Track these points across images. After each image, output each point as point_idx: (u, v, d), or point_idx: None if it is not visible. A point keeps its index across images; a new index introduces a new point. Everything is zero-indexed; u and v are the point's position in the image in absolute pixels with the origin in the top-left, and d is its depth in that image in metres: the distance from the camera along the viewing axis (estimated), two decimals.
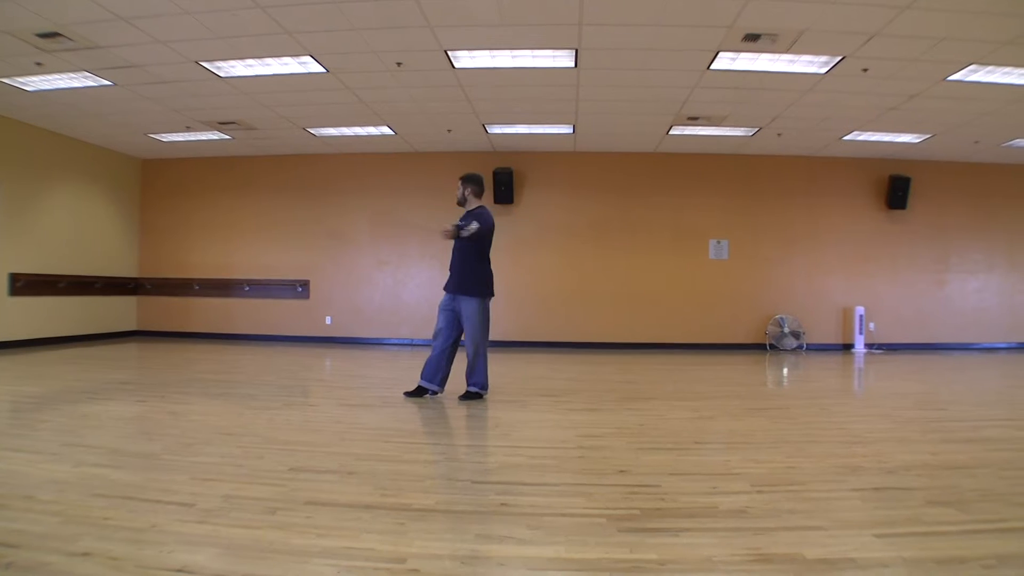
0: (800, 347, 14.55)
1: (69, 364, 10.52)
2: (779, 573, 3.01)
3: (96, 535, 3.34)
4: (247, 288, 15.40)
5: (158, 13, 7.86)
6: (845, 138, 13.16)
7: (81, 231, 14.03)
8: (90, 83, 10.25)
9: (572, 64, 9.46)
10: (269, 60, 9.41)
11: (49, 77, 10.02)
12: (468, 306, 7.56)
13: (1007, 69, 9.23)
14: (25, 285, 12.61)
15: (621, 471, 4.77)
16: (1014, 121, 11.67)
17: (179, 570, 2.96)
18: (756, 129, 12.70)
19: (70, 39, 8.54)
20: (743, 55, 9.04)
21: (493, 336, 14.10)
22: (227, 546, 3.24)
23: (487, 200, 14.34)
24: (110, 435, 5.78)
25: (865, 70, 9.38)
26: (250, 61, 9.44)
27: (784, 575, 2.99)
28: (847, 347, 14.79)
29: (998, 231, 15.07)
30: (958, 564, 3.10)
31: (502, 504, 3.97)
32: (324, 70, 9.71)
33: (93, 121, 12.50)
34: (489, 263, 7.69)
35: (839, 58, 9.01)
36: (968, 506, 3.95)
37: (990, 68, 9.20)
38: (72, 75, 9.93)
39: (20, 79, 10.11)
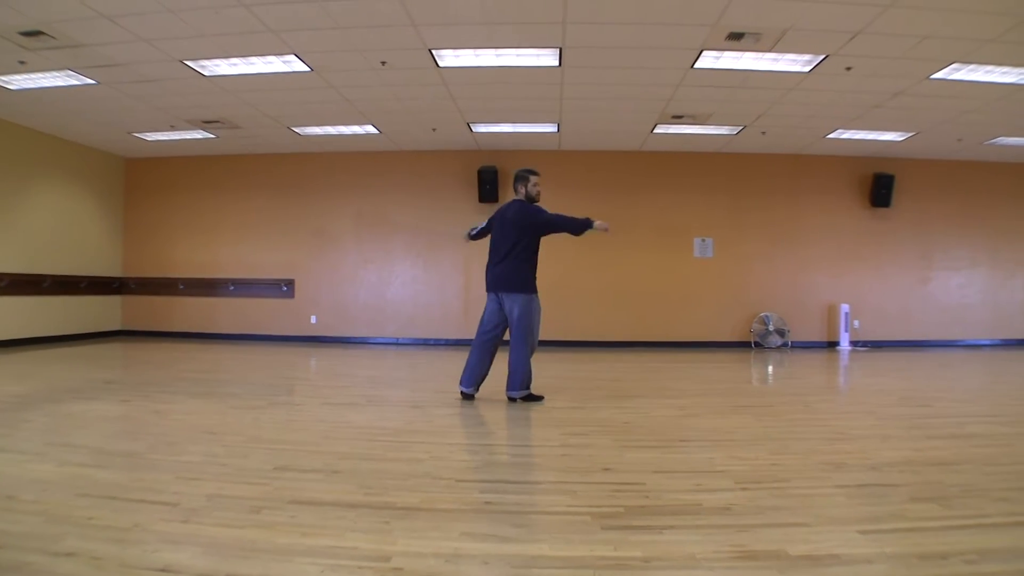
0: (785, 345, 14.60)
1: (53, 363, 10.48)
2: (763, 570, 3.02)
3: (79, 535, 3.33)
4: (232, 287, 15.35)
5: (142, 11, 7.83)
6: (829, 136, 13.21)
7: (65, 230, 13.96)
8: (74, 82, 10.19)
9: (556, 63, 9.46)
10: (253, 59, 9.38)
11: (32, 75, 9.96)
12: None
13: (989, 67, 9.27)
14: (9, 285, 12.55)
15: (606, 469, 4.78)
16: (997, 119, 11.73)
17: (163, 569, 2.96)
18: (740, 127, 12.73)
19: (53, 37, 8.49)
20: (727, 54, 9.06)
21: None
22: (211, 545, 3.24)
23: (472, 198, 14.44)
24: (94, 434, 5.76)
25: (848, 68, 9.41)
26: (234, 60, 9.41)
27: (768, 572, 3.00)
28: (832, 344, 14.84)
29: (981, 228, 15.16)
30: (940, 559, 3.12)
31: (486, 502, 3.98)
32: (308, 69, 9.69)
33: (77, 120, 12.45)
34: (490, 257, 7.58)
35: (822, 56, 9.04)
36: (951, 502, 3.98)
37: (973, 66, 9.25)
38: (56, 73, 9.87)
39: (3, 77, 10.05)
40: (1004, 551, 3.25)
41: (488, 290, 7.53)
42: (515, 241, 7.34)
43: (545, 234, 7.44)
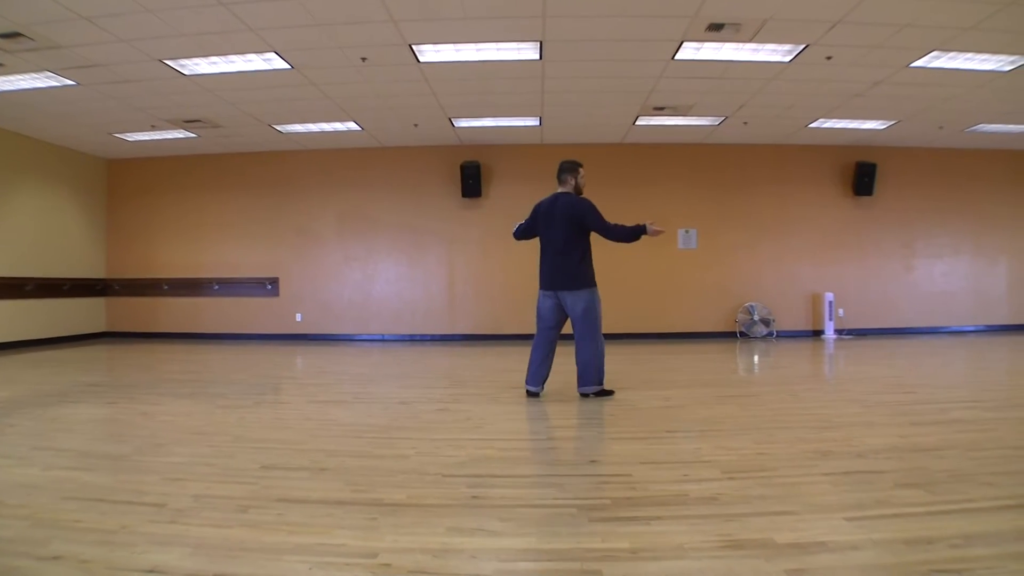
0: (770, 334, 14.65)
1: (37, 367, 10.42)
2: (750, 558, 3.04)
3: (66, 538, 3.32)
4: (216, 287, 15.31)
5: (120, 12, 7.78)
6: (811, 125, 13.24)
7: (47, 233, 13.88)
8: (53, 83, 10.13)
9: (537, 56, 9.46)
10: (233, 57, 9.34)
11: (11, 78, 9.89)
12: None
13: (969, 55, 9.31)
14: None
15: (592, 461, 4.80)
16: (977, 106, 11.79)
17: (150, 571, 2.95)
18: (722, 118, 12.76)
19: (31, 39, 8.44)
20: (707, 45, 9.07)
21: (463, 329, 14.11)
22: (198, 545, 3.24)
23: (455, 194, 14.44)
24: (80, 437, 5.74)
25: (829, 58, 9.43)
26: (214, 58, 9.37)
27: (755, 560, 3.02)
28: (817, 333, 14.90)
29: (963, 215, 15.24)
30: (926, 544, 3.15)
31: (473, 497, 3.98)
32: (289, 66, 9.66)
33: (57, 121, 12.37)
34: (544, 254, 7.37)
35: (803, 46, 9.06)
36: (936, 487, 4.01)
37: (952, 54, 9.29)
38: (34, 75, 9.81)
39: None
40: (989, 535, 3.27)
41: (545, 288, 7.34)
42: (568, 236, 7.18)
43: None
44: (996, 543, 3.18)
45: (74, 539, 3.31)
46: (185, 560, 3.07)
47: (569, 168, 7.45)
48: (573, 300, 7.17)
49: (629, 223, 7.21)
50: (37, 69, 9.55)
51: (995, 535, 3.28)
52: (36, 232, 13.60)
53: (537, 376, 7.40)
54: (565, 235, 7.17)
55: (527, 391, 7.47)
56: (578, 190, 7.43)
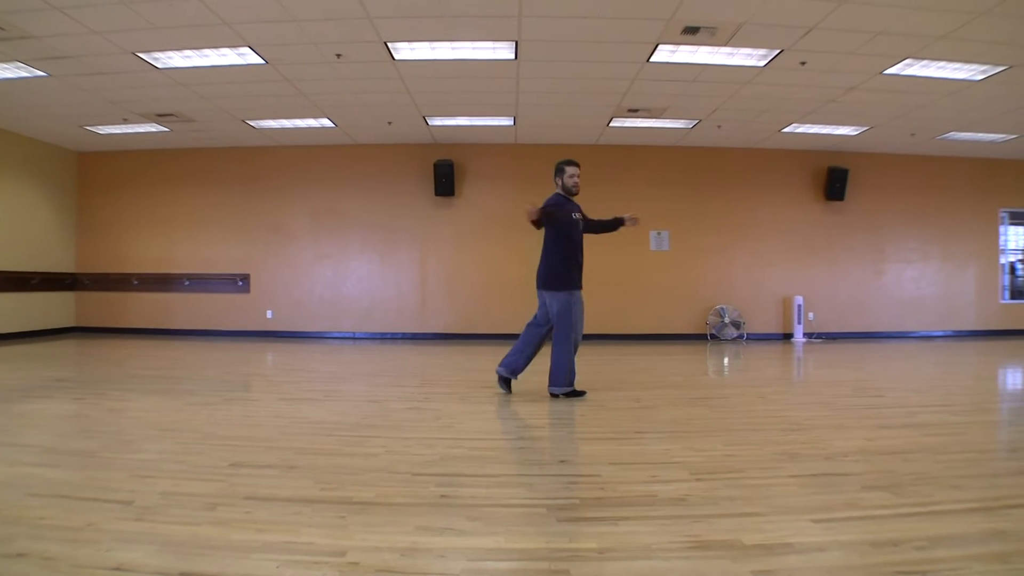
0: (740, 337, 14.73)
1: (4, 362, 10.32)
2: (717, 559, 3.06)
3: (31, 535, 3.29)
4: (187, 282, 15.18)
5: (93, 3, 7.71)
6: (784, 130, 13.32)
7: (16, 226, 13.70)
8: (24, 74, 10.02)
9: (512, 56, 9.47)
10: (207, 51, 9.27)
11: None
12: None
13: (941, 63, 9.41)
14: None
15: (562, 461, 4.82)
16: (948, 114, 11.89)
17: (116, 568, 2.93)
18: (696, 121, 12.81)
19: (2, 28, 8.34)
20: (682, 48, 9.10)
21: (435, 328, 14.09)
22: (165, 543, 3.21)
23: (428, 192, 14.42)
24: (46, 433, 5.69)
25: (803, 63, 9.49)
26: (188, 52, 9.30)
27: (722, 561, 3.04)
28: (787, 336, 14.99)
29: (933, 222, 15.41)
30: (892, 547, 3.18)
31: (442, 496, 3.98)
32: (263, 61, 9.61)
33: (27, 113, 12.23)
34: (559, 253, 7.34)
35: (777, 51, 9.11)
36: (903, 490, 4.04)
37: (925, 62, 9.38)
38: (4, 65, 9.69)
39: None
40: (954, 537, 3.31)
41: (536, 287, 7.47)
42: (552, 237, 7.29)
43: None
44: (961, 545, 3.22)
45: (39, 536, 3.28)
46: (152, 558, 3.04)
47: (556, 169, 7.52)
48: (551, 300, 7.25)
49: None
50: (7, 59, 9.44)
51: (960, 537, 3.32)
52: (4, 225, 13.43)
53: (510, 365, 7.47)
54: (549, 236, 7.28)
55: (497, 372, 7.53)
56: (567, 190, 7.44)
